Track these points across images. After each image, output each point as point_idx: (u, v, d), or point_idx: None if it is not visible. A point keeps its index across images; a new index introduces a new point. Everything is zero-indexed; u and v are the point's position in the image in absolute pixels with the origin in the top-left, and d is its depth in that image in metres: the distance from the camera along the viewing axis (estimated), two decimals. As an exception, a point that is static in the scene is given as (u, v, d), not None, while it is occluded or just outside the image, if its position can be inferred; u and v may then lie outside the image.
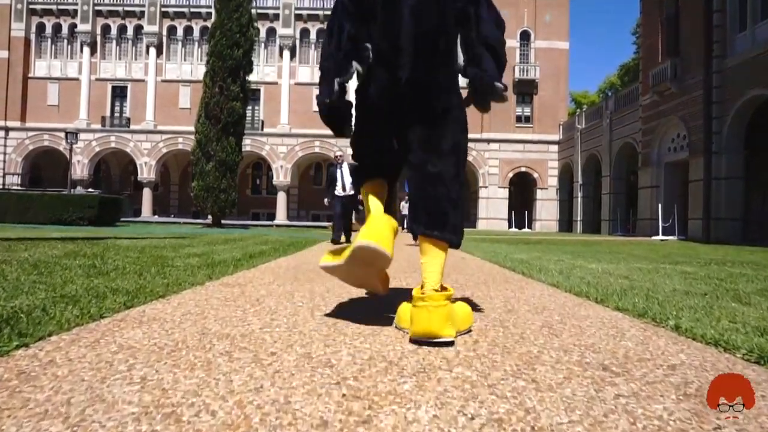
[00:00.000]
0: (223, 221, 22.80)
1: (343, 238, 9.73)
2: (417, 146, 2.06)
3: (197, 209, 13.55)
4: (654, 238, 18.75)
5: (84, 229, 11.76)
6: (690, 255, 9.55)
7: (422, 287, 1.91)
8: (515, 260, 6.30)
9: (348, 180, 9.52)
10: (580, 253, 8.84)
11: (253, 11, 35.79)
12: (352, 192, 9.41)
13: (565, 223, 33.02)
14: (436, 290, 1.89)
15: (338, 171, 9.76)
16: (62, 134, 27.42)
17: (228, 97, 13.44)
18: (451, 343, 1.80)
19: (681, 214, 19.26)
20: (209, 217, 13.77)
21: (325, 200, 9.86)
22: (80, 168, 34.69)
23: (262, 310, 2.38)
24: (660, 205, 19.34)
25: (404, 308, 2.06)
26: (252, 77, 36.25)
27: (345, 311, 2.45)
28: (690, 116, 18.70)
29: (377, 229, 2.02)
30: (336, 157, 9.84)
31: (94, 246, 5.84)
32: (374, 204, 2.25)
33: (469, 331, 2.08)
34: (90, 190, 32.71)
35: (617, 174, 26.07)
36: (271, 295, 2.90)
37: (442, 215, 2.04)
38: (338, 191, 9.68)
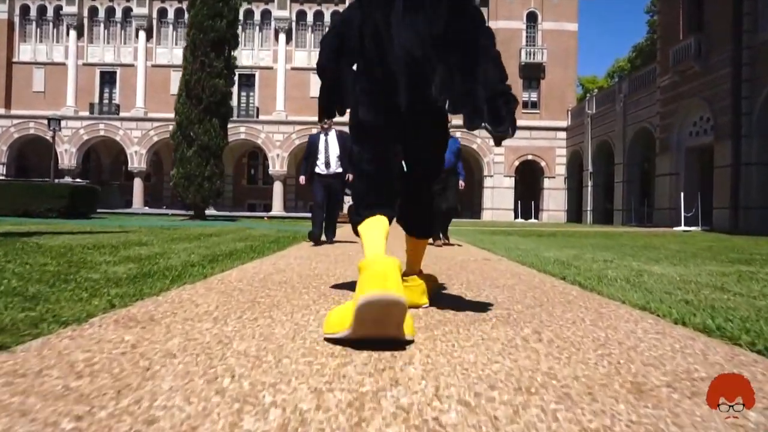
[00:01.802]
0: (216, 212, 21.43)
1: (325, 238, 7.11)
2: (415, 167, 2.37)
3: (179, 199, 12.20)
4: (676, 228, 17.44)
5: (46, 221, 10.45)
6: (739, 249, 8.29)
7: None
8: (551, 261, 5.01)
9: (335, 152, 6.78)
10: (614, 249, 7.57)
11: (247, -8, 34.39)
12: (339, 170, 6.83)
13: (574, 213, 31.67)
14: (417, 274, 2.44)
15: (322, 140, 6.85)
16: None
17: (210, 74, 11.95)
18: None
19: (704, 203, 17.92)
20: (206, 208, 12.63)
21: (301, 178, 7.11)
22: (68, 157, 33.30)
23: (119, 416, 1.07)
24: (682, 194, 17.99)
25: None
26: (246, 62, 34.91)
27: (315, 403, 1.14)
28: (715, 97, 17.29)
29: (378, 272, 1.66)
30: (323, 121, 6.74)
31: (1, 246, 4.51)
32: (373, 242, 2.01)
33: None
34: (78, 180, 31.38)
35: (631, 161, 24.67)
36: (185, 351, 1.59)
37: (430, 226, 2.62)
38: (320, 168, 6.82)
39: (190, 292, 2.68)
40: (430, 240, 6.66)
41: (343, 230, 8.97)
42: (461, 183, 7.51)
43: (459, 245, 7.00)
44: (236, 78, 33.20)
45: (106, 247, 4.88)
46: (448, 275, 3.85)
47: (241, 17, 34.55)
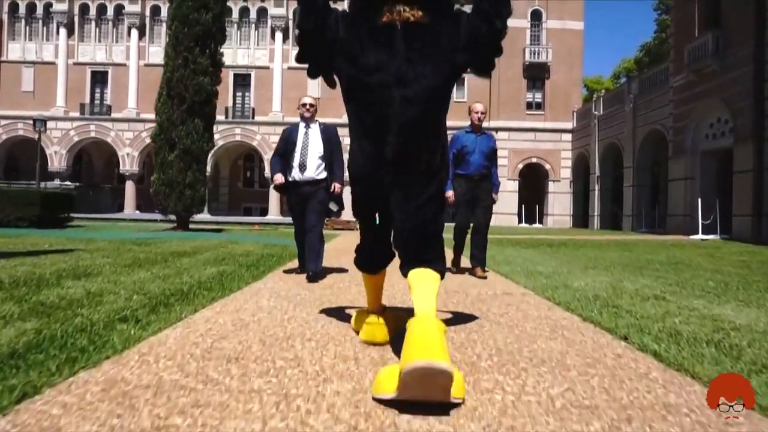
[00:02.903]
0: (209, 216, 20.35)
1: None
2: (402, 199, 2.15)
3: (159, 208, 11.16)
4: (693, 237, 16.44)
5: (8, 232, 9.40)
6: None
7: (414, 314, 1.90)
8: (589, 298, 4.05)
9: (316, 151, 4.88)
10: (648, 270, 6.60)
11: (243, -11, 33.32)
12: (321, 175, 4.90)
13: (580, 218, 30.64)
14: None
15: (301, 133, 4.95)
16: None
17: (195, 71, 10.87)
18: (450, 375, 1.60)
19: (722, 209, 16.92)
20: (198, 214, 11.44)
21: (276, 176, 4.96)
22: (58, 159, 32.26)
23: None
24: (699, 200, 16.99)
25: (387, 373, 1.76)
26: (242, 61, 33.86)
27: None
28: (735, 97, 16.28)
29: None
30: (304, 105, 5.02)
31: None
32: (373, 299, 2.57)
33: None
34: (67, 183, 30.39)
35: (641, 164, 23.65)
36: None
37: (428, 252, 2.14)
38: (295, 173, 4.89)
39: (68, 400, 1.68)
40: (476, 271, 4.90)
41: (335, 247, 7.94)
42: (494, 196, 5.60)
43: (484, 277, 5.31)
44: (231, 76, 32.32)
45: (29, 283, 3.87)
46: (465, 329, 2.87)
47: (236, 15, 33.71)
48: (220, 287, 4.09)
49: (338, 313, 3.22)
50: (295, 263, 5.69)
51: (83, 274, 4.41)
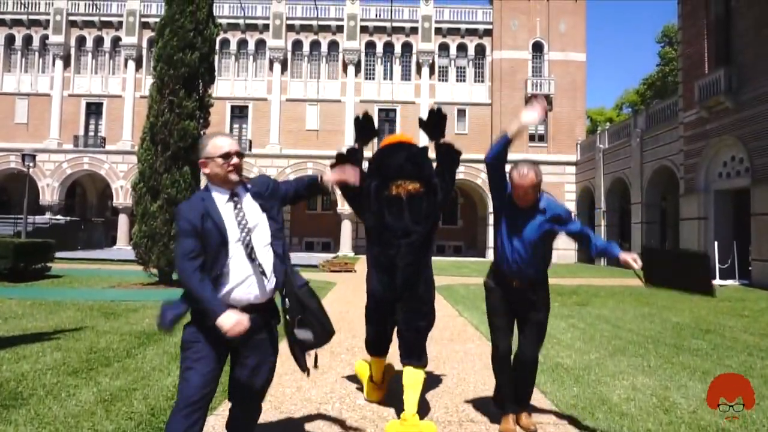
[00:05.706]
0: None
1: None
2: (406, 311, 3.30)
3: (139, 261, 10.29)
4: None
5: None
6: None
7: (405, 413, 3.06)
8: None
9: (265, 242, 2.28)
10: (681, 350, 5.74)
11: (240, 21, 33.01)
12: (273, 283, 2.27)
13: (585, 253, 29.68)
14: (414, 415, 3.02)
15: (228, 211, 2.22)
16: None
17: (180, 115, 10.05)
18: None
19: (739, 252, 16.07)
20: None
21: (228, 321, 1.99)
22: (50, 192, 31.48)
23: None
24: (716, 243, 16.14)
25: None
26: (239, 93, 33.33)
27: None
28: (751, 135, 15.54)
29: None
30: (226, 157, 2.21)
31: None
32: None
33: None
34: (58, 217, 29.60)
35: (650, 201, 22.86)
36: None
37: (418, 346, 3.31)
38: (243, 292, 2.18)
39: None
40: (509, 423, 3.30)
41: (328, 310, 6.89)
42: (633, 260, 3.08)
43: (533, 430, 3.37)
44: (228, 108, 31.74)
45: None
46: None
47: (234, 46, 33.35)
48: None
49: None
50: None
51: (5, 401, 3.52)
